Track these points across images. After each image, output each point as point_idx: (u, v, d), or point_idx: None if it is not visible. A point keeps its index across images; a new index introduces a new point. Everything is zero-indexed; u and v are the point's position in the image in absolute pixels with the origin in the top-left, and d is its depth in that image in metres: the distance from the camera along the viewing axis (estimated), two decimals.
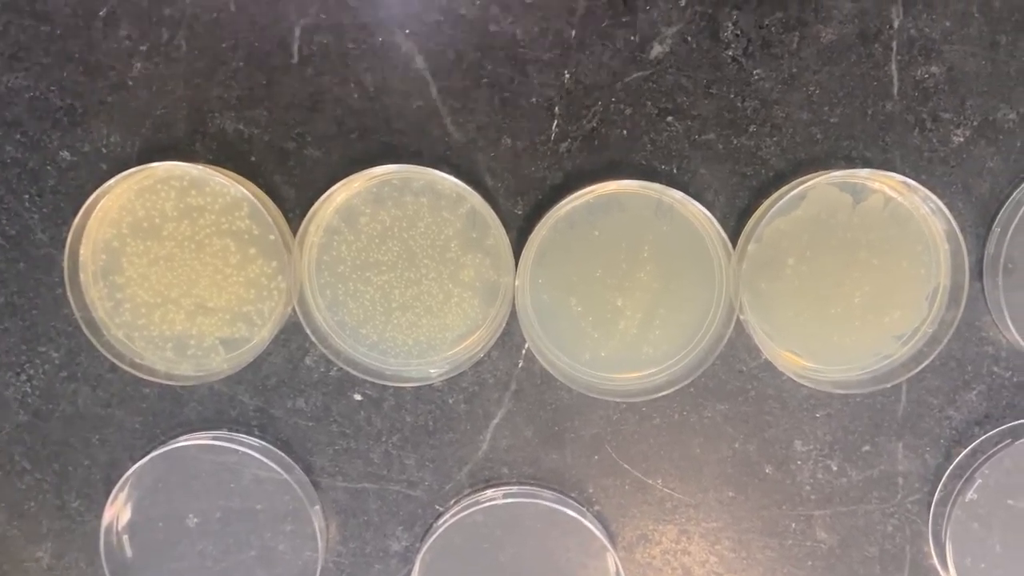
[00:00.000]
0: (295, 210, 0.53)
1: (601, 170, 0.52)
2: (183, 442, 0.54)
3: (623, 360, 0.53)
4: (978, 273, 0.53)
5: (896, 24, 0.50)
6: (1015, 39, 0.51)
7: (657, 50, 0.51)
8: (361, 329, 0.53)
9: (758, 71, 0.51)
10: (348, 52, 0.51)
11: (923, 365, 0.51)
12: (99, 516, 0.55)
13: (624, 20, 0.50)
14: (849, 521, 0.55)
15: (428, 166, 0.50)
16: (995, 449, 0.53)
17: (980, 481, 0.53)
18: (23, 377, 0.55)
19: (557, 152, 0.52)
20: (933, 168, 0.52)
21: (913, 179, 0.50)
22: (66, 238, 0.51)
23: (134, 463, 0.54)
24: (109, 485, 0.54)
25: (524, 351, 0.54)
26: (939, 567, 0.55)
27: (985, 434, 0.54)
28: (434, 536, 0.54)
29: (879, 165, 0.51)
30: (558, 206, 0.50)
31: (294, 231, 0.52)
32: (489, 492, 0.55)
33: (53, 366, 0.54)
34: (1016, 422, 0.53)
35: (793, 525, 0.55)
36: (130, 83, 0.52)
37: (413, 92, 0.51)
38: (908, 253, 0.52)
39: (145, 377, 0.53)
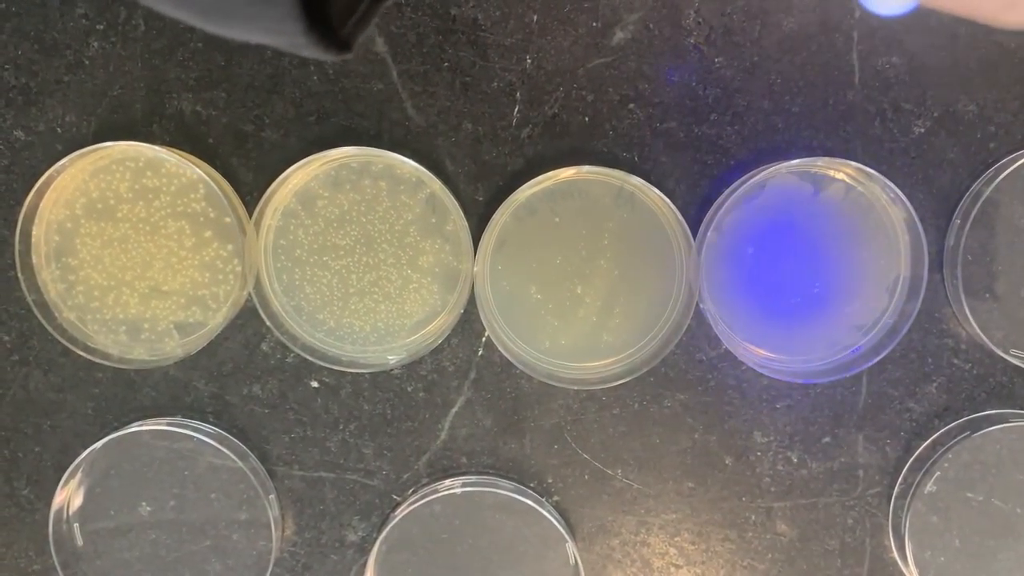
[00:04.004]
0: (252, 193, 0.52)
1: (562, 156, 0.51)
2: (136, 428, 0.53)
3: (583, 348, 0.53)
4: (938, 264, 0.53)
5: (857, 14, 0.50)
6: (975, 31, 0.51)
7: (619, 36, 0.51)
8: (318, 315, 0.53)
9: (720, 59, 0.51)
10: None
11: (882, 356, 0.51)
12: (49, 504, 0.53)
13: (586, 5, 0.50)
14: (809, 514, 0.55)
15: (387, 150, 0.50)
16: (954, 442, 0.53)
17: (939, 474, 0.53)
18: None
19: (518, 138, 0.51)
20: (894, 159, 0.52)
21: (873, 169, 0.49)
22: (18, 219, 0.50)
23: (86, 449, 0.53)
24: (60, 472, 0.53)
25: (484, 339, 0.53)
26: (899, 560, 0.54)
27: (945, 427, 0.54)
28: (391, 526, 0.53)
29: (840, 155, 0.51)
30: (518, 192, 0.50)
31: (251, 214, 0.51)
32: (447, 482, 0.54)
33: (4, 349, 0.53)
34: (975, 414, 0.53)
35: (753, 517, 0.55)
36: (86, 62, 0.51)
37: (373, 75, 0.51)
38: (868, 243, 0.52)
39: (98, 361, 0.52)
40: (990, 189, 0.50)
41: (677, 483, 0.54)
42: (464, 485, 0.53)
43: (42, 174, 0.50)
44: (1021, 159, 0.50)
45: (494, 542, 0.54)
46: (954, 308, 0.53)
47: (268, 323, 0.51)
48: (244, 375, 0.54)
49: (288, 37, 0.23)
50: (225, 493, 0.54)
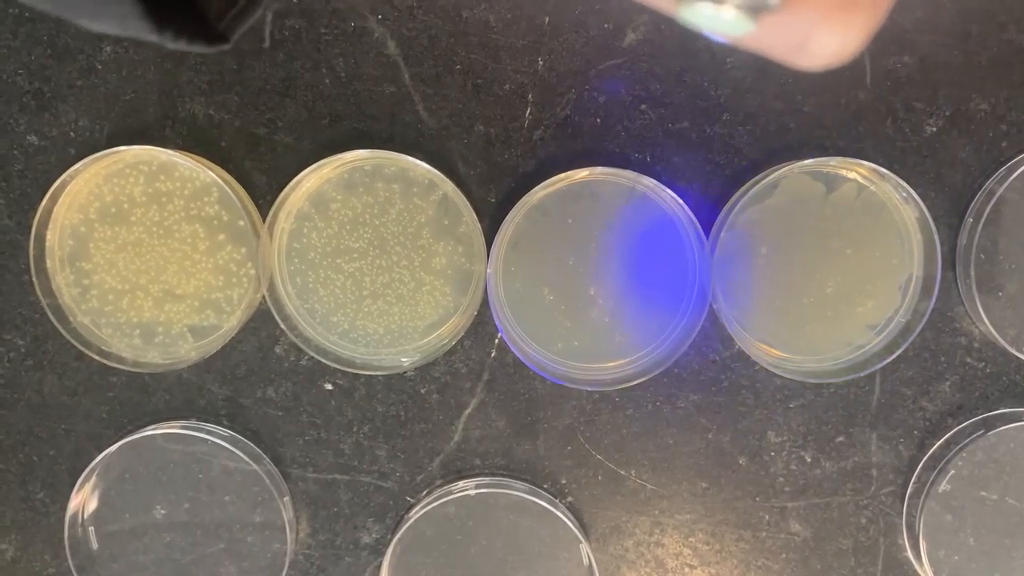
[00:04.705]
0: (266, 196, 0.52)
1: (574, 158, 0.52)
2: (150, 431, 0.53)
3: (596, 349, 0.53)
4: (951, 263, 0.53)
5: None
6: (986, 29, 0.51)
7: (630, 37, 0.51)
8: (332, 317, 0.53)
9: (731, 59, 0.51)
10: (320, 37, 0.51)
11: (896, 355, 0.51)
12: (64, 507, 0.54)
13: (597, 7, 0.50)
14: (823, 513, 0.55)
15: (400, 152, 0.50)
16: (968, 440, 0.53)
17: (953, 472, 0.53)
18: None
19: (530, 139, 0.52)
20: (905, 158, 0.52)
21: (885, 169, 0.50)
22: (32, 223, 0.51)
23: (100, 453, 0.53)
24: (75, 475, 0.53)
25: (496, 340, 0.53)
26: (913, 560, 0.55)
27: (958, 425, 0.54)
28: (405, 528, 0.53)
29: (852, 154, 0.51)
30: (531, 193, 0.50)
31: (264, 217, 0.51)
32: (461, 483, 0.54)
33: (19, 354, 0.54)
34: (989, 413, 0.53)
35: (767, 517, 0.55)
36: (99, 67, 0.51)
37: (385, 78, 0.51)
38: (881, 242, 0.52)
39: (112, 365, 0.52)
40: (1003, 188, 0.50)
41: (691, 483, 0.54)
42: (478, 486, 0.54)
43: (56, 179, 0.50)
44: None
45: (508, 543, 0.54)
46: (967, 307, 0.53)
47: (282, 326, 0.52)
48: (258, 378, 0.54)
49: (138, 33, 0.23)
50: (239, 496, 0.54)
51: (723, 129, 0.51)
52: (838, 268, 0.52)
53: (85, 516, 0.54)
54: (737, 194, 0.51)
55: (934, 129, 0.52)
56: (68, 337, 0.52)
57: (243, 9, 0.26)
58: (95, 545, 0.55)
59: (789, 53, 0.21)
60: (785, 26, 0.20)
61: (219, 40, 0.25)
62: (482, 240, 0.51)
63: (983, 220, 0.51)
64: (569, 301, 0.52)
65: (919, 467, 0.54)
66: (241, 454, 0.53)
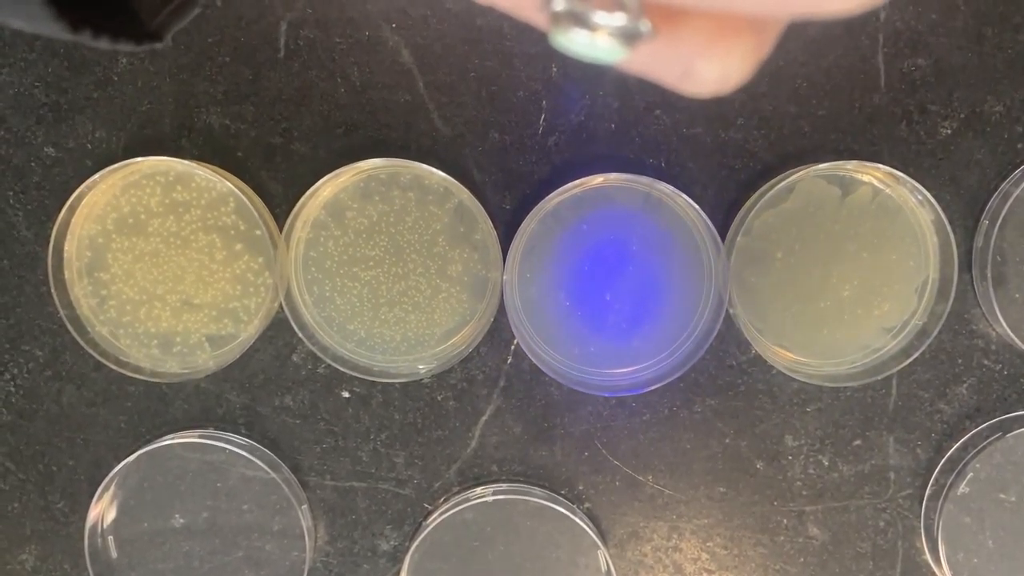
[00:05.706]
0: (282, 206, 0.52)
1: (589, 164, 0.52)
2: (169, 441, 0.54)
3: (612, 355, 0.53)
4: (967, 265, 0.53)
5: (882, 16, 0.50)
6: (1001, 31, 0.51)
7: None
8: (348, 325, 0.53)
9: None
10: (335, 46, 0.51)
11: (913, 358, 0.51)
12: (84, 517, 0.54)
13: None
14: (841, 516, 0.55)
15: (415, 160, 0.50)
16: (986, 442, 0.53)
17: (972, 475, 0.53)
18: (6, 376, 0.54)
19: (545, 146, 0.52)
20: (920, 160, 0.52)
21: (901, 172, 0.50)
22: (50, 235, 0.51)
23: (119, 463, 0.53)
24: (94, 485, 0.54)
25: (513, 347, 0.53)
26: (932, 563, 0.54)
27: (976, 428, 0.53)
28: (423, 535, 0.54)
29: (867, 158, 0.51)
30: (546, 200, 0.50)
31: (281, 227, 0.51)
32: (478, 490, 0.54)
33: (37, 365, 0.54)
34: (1007, 415, 0.53)
35: (785, 521, 0.55)
36: (115, 78, 0.52)
37: (400, 86, 0.51)
38: (897, 246, 0.52)
39: (130, 375, 0.52)
40: (1019, 189, 0.50)
41: (708, 488, 0.54)
42: (495, 493, 0.54)
43: (73, 190, 0.50)
44: None
45: (526, 549, 0.55)
46: (984, 309, 0.53)
47: (299, 334, 0.52)
48: (275, 386, 0.54)
49: (51, 33, 0.22)
50: (258, 504, 0.55)
51: (737, 133, 0.51)
52: (854, 271, 0.52)
53: (104, 525, 0.55)
54: (752, 198, 0.51)
55: (949, 131, 0.51)
56: (86, 347, 0.52)
57: (179, 6, 0.24)
58: (114, 554, 0.55)
59: (673, 80, 0.20)
60: (666, 55, 0.19)
61: (150, 39, 0.24)
62: (498, 247, 0.51)
63: (999, 222, 0.51)
64: (585, 307, 0.52)
65: (937, 470, 0.54)
66: (259, 462, 0.53)
